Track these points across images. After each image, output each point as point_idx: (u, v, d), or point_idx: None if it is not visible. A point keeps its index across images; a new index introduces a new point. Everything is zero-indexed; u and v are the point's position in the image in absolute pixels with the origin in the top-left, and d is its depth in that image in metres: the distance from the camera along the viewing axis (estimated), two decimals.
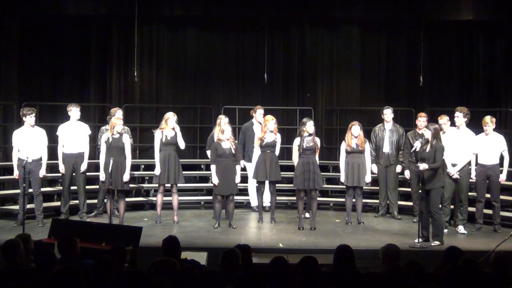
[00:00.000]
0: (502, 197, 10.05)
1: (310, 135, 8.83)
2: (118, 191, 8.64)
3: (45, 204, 9.32)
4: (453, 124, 8.98)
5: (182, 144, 9.03)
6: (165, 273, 4.33)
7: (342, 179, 9.37)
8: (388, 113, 9.81)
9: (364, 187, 9.51)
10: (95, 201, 9.64)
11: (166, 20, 12.05)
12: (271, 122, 9.19)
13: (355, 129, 9.20)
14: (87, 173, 9.48)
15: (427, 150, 7.90)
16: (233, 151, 8.80)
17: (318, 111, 12.08)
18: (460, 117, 8.87)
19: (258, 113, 10.07)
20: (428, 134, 7.94)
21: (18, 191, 8.95)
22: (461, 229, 8.70)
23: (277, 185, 9.52)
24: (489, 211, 9.05)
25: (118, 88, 12.04)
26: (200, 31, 12.25)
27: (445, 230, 8.31)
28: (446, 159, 8.37)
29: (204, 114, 12.15)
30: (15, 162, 8.86)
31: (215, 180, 8.80)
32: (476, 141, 8.89)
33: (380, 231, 8.85)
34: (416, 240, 7.82)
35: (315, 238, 8.28)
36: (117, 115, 9.21)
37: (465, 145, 8.77)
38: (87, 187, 9.50)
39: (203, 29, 12.23)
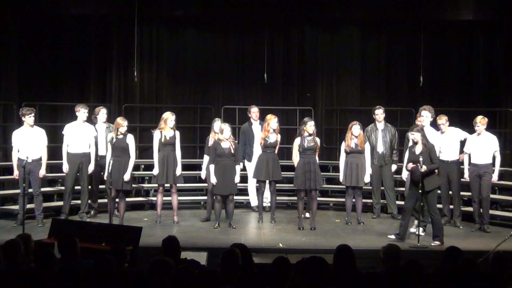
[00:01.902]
0: (502, 197, 10.11)
1: (310, 135, 8.83)
2: (120, 191, 8.64)
3: (45, 204, 9.32)
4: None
5: (178, 151, 9.04)
6: (161, 272, 4.32)
7: (341, 178, 9.38)
8: (379, 113, 9.83)
9: (363, 187, 9.52)
10: (89, 201, 9.64)
11: (166, 20, 12.04)
12: (273, 120, 9.19)
13: (356, 129, 9.20)
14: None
15: (418, 152, 7.85)
16: (232, 151, 8.79)
17: (318, 111, 12.07)
18: (429, 117, 8.84)
19: (252, 112, 10.15)
20: (415, 137, 7.87)
21: (18, 191, 8.95)
22: (420, 230, 8.11)
23: (277, 185, 9.52)
24: (493, 212, 9.07)
25: (118, 88, 12.03)
26: (200, 31, 12.24)
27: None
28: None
29: (204, 114, 12.14)
30: (15, 162, 8.86)
31: (213, 180, 8.80)
32: (469, 141, 8.93)
33: (380, 231, 8.85)
34: (416, 240, 7.82)
35: (315, 238, 8.28)
36: (101, 114, 9.38)
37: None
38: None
39: (203, 29, 12.23)
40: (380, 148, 9.71)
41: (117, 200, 8.73)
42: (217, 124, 9.21)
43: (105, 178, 8.74)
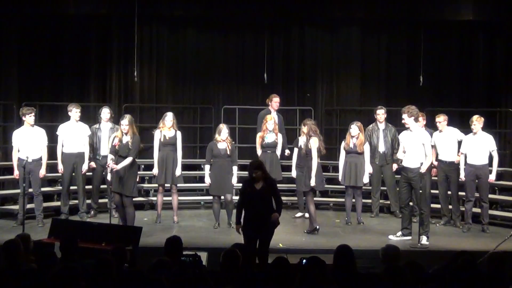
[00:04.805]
0: (502, 197, 10.10)
1: (308, 136, 8.78)
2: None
3: (45, 204, 9.32)
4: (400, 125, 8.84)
5: (179, 152, 9.00)
6: (161, 272, 4.33)
7: (340, 178, 9.38)
8: (381, 113, 9.87)
9: (363, 187, 9.52)
10: (89, 201, 9.63)
11: (166, 20, 12.04)
12: (270, 122, 9.19)
13: (353, 128, 9.22)
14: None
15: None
16: (229, 152, 8.78)
17: (318, 111, 12.07)
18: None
19: (274, 102, 9.93)
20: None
21: (18, 191, 8.96)
22: (423, 239, 7.88)
23: (277, 185, 9.47)
24: (493, 212, 9.04)
25: (118, 88, 12.03)
26: (200, 31, 12.24)
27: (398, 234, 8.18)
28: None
29: (204, 114, 12.14)
30: (15, 162, 8.87)
31: (207, 180, 8.79)
32: (465, 141, 8.92)
33: (380, 231, 8.85)
34: (417, 240, 7.82)
35: (315, 238, 8.29)
36: (103, 113, 9.41)
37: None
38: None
39: (203, 29, 12.22)
40: (382, 148, 9.74)
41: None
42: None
43: (108, 179, 8.63)
